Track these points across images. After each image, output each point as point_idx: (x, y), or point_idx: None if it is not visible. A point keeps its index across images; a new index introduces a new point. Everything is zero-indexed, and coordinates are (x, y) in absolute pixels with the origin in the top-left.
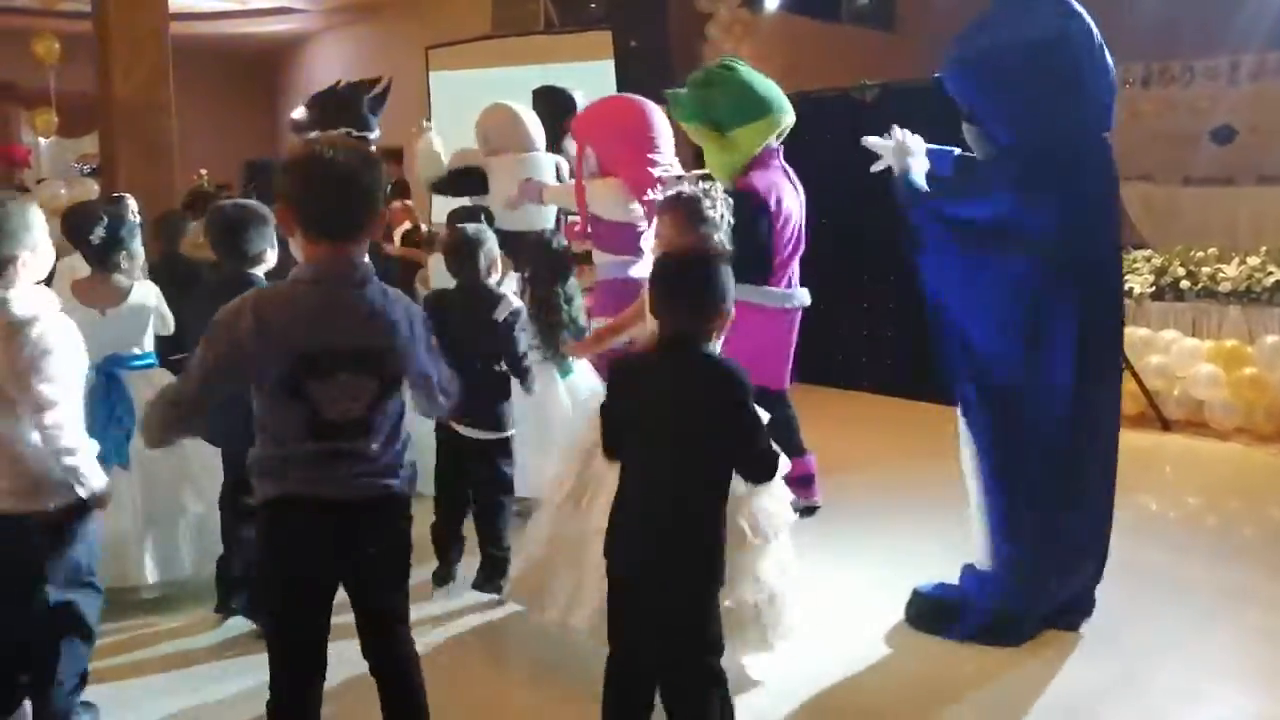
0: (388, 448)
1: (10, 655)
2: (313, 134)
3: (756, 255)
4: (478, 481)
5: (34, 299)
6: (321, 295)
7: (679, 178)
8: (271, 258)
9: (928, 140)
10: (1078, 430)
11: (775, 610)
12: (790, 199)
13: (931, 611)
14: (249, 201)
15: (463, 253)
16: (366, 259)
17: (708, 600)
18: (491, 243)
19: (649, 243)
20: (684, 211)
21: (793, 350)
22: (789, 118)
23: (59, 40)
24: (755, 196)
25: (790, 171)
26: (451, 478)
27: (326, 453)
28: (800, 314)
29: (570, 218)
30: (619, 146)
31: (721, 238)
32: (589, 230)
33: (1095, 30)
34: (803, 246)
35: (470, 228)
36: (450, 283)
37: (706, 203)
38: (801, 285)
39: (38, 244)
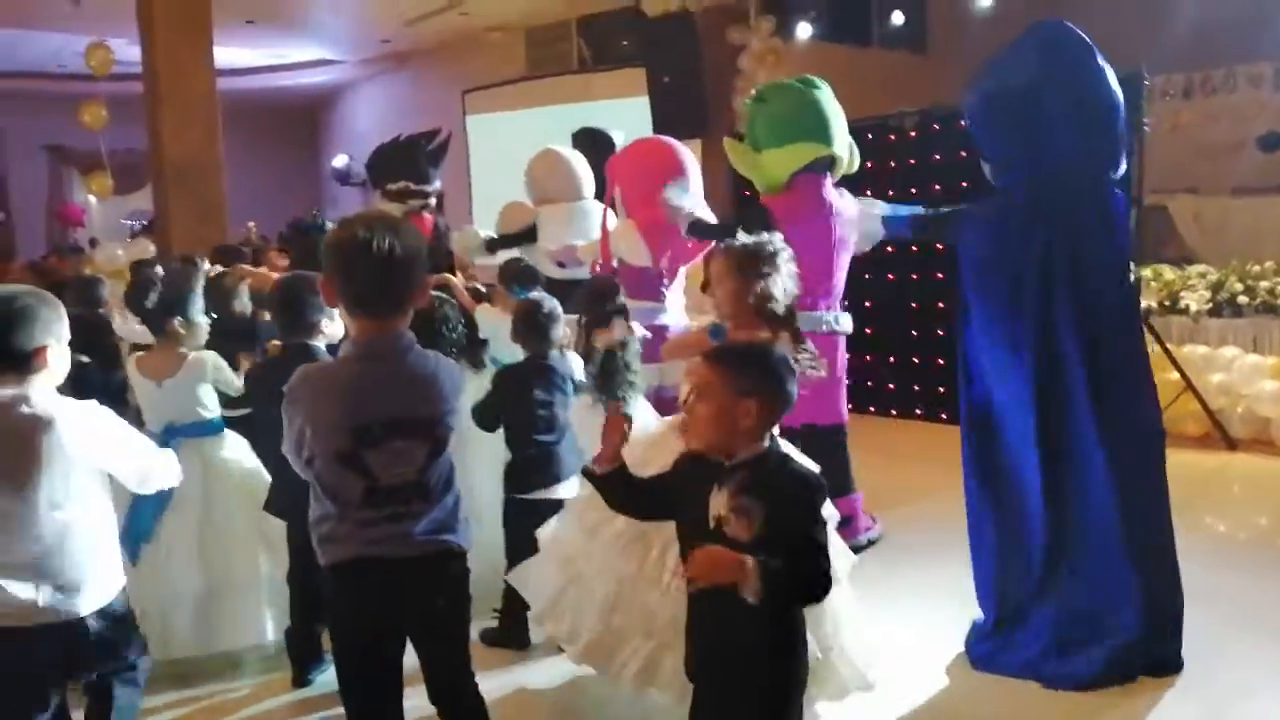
0: (442, 505)
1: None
2: (361, 190)
3: None
4: None
5: (53, 397)
6: (368, 370)
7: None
8: (331, 329)
9: (963, 166)
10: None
11: (838, 661)
12: (827, 225)
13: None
14: (308, 273)
15: (537, 327)
16: (409, 334)
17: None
18: (562, 319)
19: (676, 292)
20: (733, 260)
21: (841, 385)
22: (832, 149)
23: (106, 101)
24: (766, 215)
25: (841, 195)
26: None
27: (385, 518)
28: (837, 337)
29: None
30: (636, 187)
31: (786, 285)
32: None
33: (1094, 65)
34: (840, 277)
35: (546, 303)
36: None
37: (764, 251)
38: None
39: (63, 336)
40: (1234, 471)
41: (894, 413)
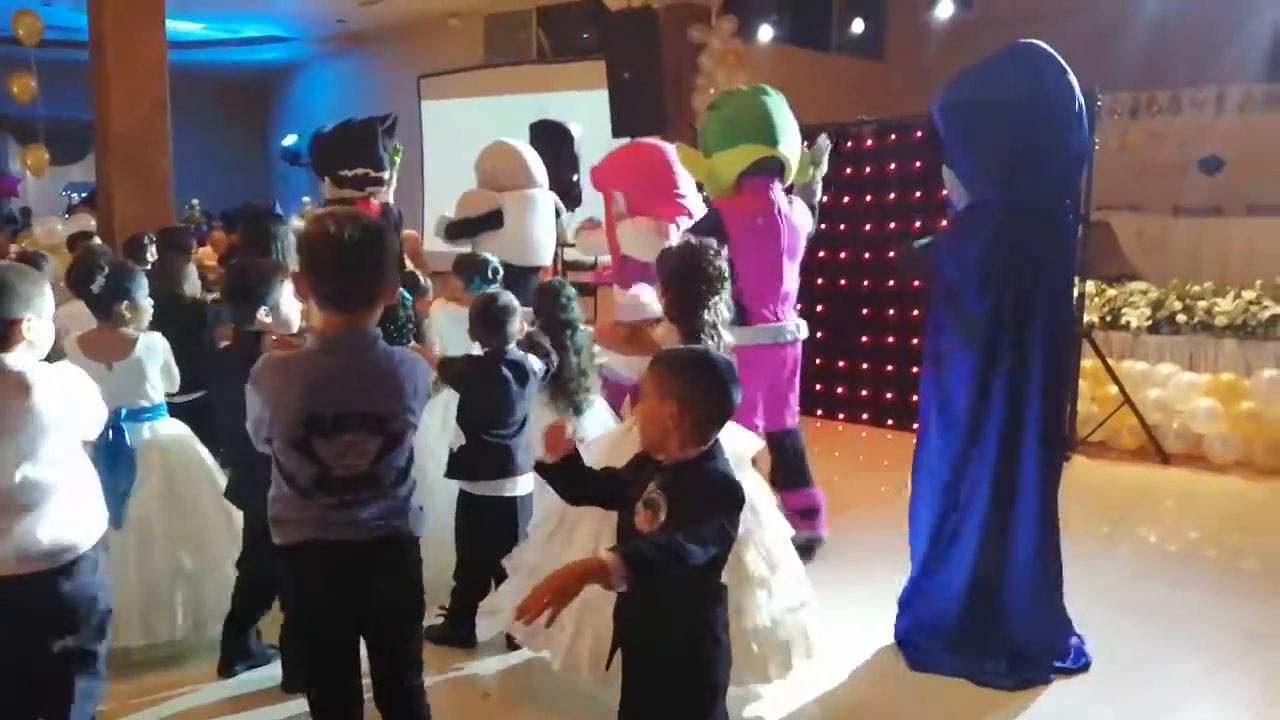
0: (394, 495)
1: (25, 704)
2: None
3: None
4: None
5: (31, 363)
6: (328, 362)
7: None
8: (275, 318)
9: (919, 177)
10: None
11: (774, 643)
12: (774, 229)
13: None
14: (260, 260)
15: (493, 321)
16: (376, 329)
17: None
18: (519, 313)
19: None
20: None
21: (794, 385)
22: (776, 150)
23: (43, 70)
24: (715, 217)
25: (791, 203)
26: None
27: (334, 505)
28: (797, 347)
29: (601, 260)
30: (650, 187)
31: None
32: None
33: (1073, 93)
34: (791, 282)
35: (502, 297)
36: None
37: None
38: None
39: (44, 312)
40: (1167, 485)
41: (841, 417)
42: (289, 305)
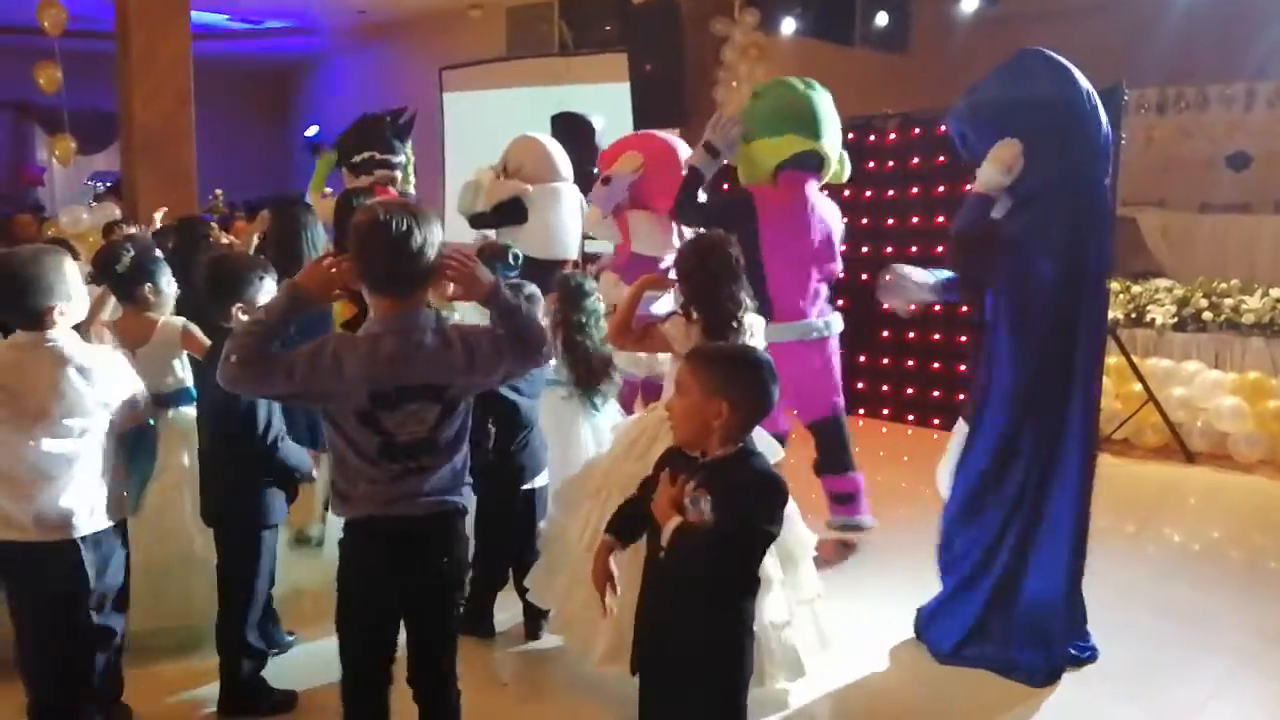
0: (451, 462)
1: (63, 673)
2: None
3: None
4: (517, 533)
5: (70, 340)
6: (387, 342)
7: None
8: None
9: (943, 171)
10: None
11: (792, 642)
12: (806, 224)
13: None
14: (242, 255)
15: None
16: (428, 310)
17: None
18: (542, 303)
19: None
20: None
21: (830, 375)
22: (818, 145)
23: (71, 58)
24: (747, 199)
25: (828, 202)
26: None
27: (398, 473)
28: (829, 343)
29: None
30: (656, 180)
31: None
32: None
33: (1092, 93)
34: (820, 280)
35: (527, 287)
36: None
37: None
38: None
39: (72, 295)
40: (1191, 484)
41: (862, 412)
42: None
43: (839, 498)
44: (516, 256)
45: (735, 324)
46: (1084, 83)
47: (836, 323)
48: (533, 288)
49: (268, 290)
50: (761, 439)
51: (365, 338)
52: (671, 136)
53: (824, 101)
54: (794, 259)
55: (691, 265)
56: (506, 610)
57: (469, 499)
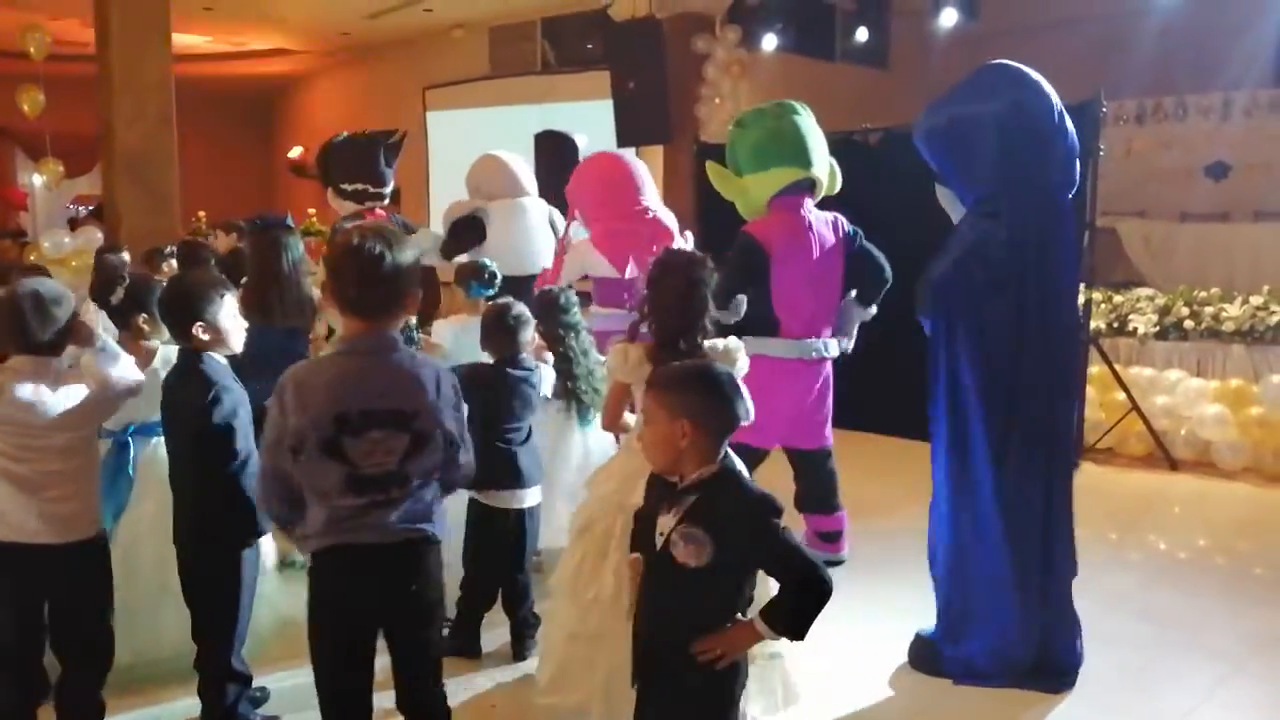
0: (420, 496)
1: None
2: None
3: (754, 295)
4: (507, 553)
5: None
6: (350, 363)
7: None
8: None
9: (922, 184)
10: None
11: (779, 671)
12: (808, 244)
13: (921, 652)
14: (203, 274)
15: (505, 331)
16: (397, 332)
17: None
18: (531, 323)
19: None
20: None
21: (825, 404)
22: (812, 171)
23: (52, 83)
24: (749, 242)
25: (822, 220)
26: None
27: (364, 505)
28: (827, 366)
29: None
30: (591, 202)
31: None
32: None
33: (1053, 101)
34: (823, 300)
35: (515, 307)
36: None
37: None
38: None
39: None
40: (1175, 492)
41: (847, 425)
42: (229, 321)
43: (826, 536)
44: (493, 275)
45: (683, 344)
46: (1049, 94)
47: (834, 348)
48: (521, 308)
49: (228, 308)
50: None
51: (328, 359)
52: (620, 154)
53: (807, 123)
54: (795, 283)
55: (652, 277)
56: (495, 628)
57: (443, 530)
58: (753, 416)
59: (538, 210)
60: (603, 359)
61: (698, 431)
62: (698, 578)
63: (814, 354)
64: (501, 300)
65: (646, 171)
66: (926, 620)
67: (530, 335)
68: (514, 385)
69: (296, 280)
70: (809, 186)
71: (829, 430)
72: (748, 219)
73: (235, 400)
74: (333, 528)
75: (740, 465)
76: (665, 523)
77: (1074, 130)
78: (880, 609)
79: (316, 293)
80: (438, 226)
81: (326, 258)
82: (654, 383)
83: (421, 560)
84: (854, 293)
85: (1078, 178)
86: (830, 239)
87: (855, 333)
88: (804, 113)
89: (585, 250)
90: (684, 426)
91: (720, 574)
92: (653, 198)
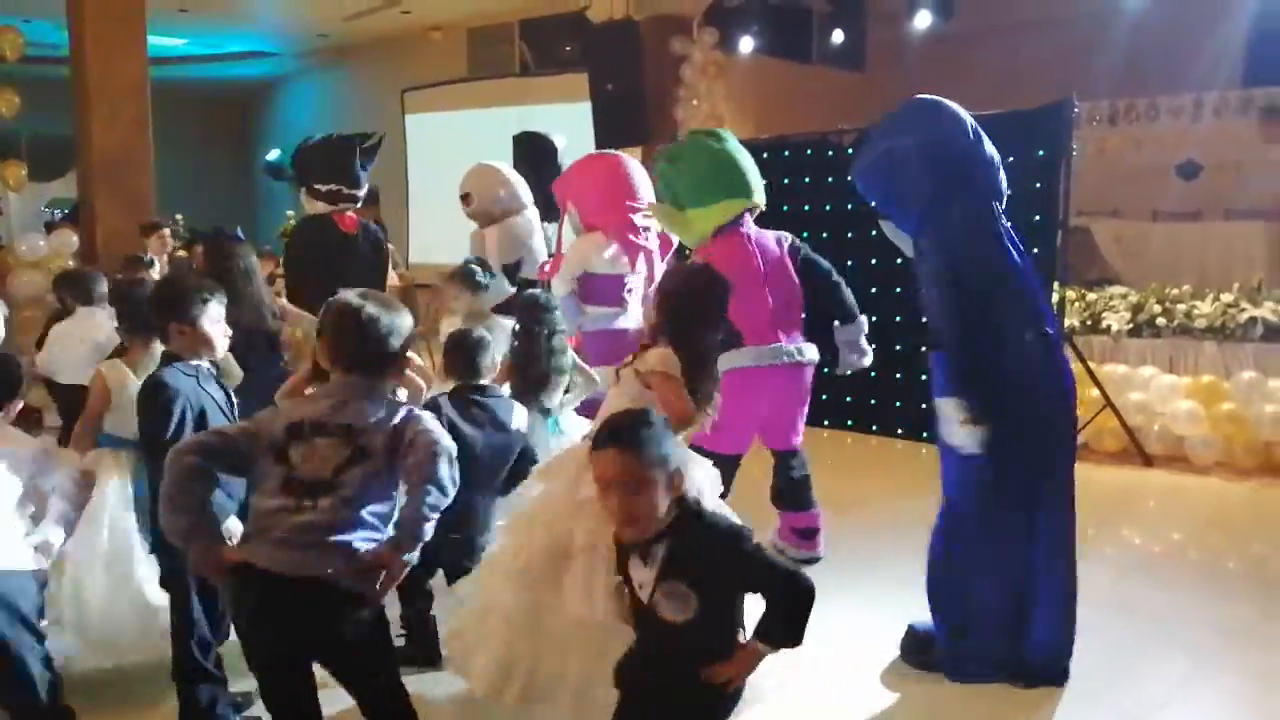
0: (345, 517)
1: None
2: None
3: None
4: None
5: None
6: (331, 393)
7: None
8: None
9: None
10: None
11: None
12: (756, 262)
13: (913, 645)
14: (185, 278)
15: (465, 356)
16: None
17: None
18: (493, 348)
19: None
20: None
21: (802, 407)
22: (753, 199)
23: (25, 85)
24: (708, 269)
25: (763, 234)
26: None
27: (290, 507)
28: (803, 371)
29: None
30: (596, 200)
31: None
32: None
33: (967, 123)
34: (785, 308)
35: (476, 331)
36: None
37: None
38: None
39: None
40: (1150, 487)
41: (826, 424)
42: (211, 326)
43: (802, 533)
44: (490, 271)
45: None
46: (964, 118)
47: (811, 351)
48: (482, 331)
49: (212, 313)
50: (700, 468)
51: (313, 394)
52: (614, 153)
53: (738, 150)
54: (749, 296)
55: (674, 291)
56: None
57: (371, 580)
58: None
59: (538, 221)
60: (573, 358)
61: (674, 474)
62: (688, 624)
63: (785, 358)
64: (463, 326)
65: (641, 171)
66: (913, 614)
67: (491, 360)
68: (471, 416)
69: (249, 285)
70: (749, 209)
71: (798, 434)
72: (691, 247)
73: (185, 411)
74: (250, 530)
75: (707, 474)
76: (642, 576)
77: (992, 146)
78: (864, 602)
79: (282, 300)
80: (416, 227)
81: (323, 313)
82: (617, 453)
83: (330, 606)
84: (836, 323)
85: (1004, 186)
86: (773, 248)
87: (866, 347)
88: (731, 139)
89: (589, 247)
90: (663, 474)
91: (709, 613)
92: (651, 198)
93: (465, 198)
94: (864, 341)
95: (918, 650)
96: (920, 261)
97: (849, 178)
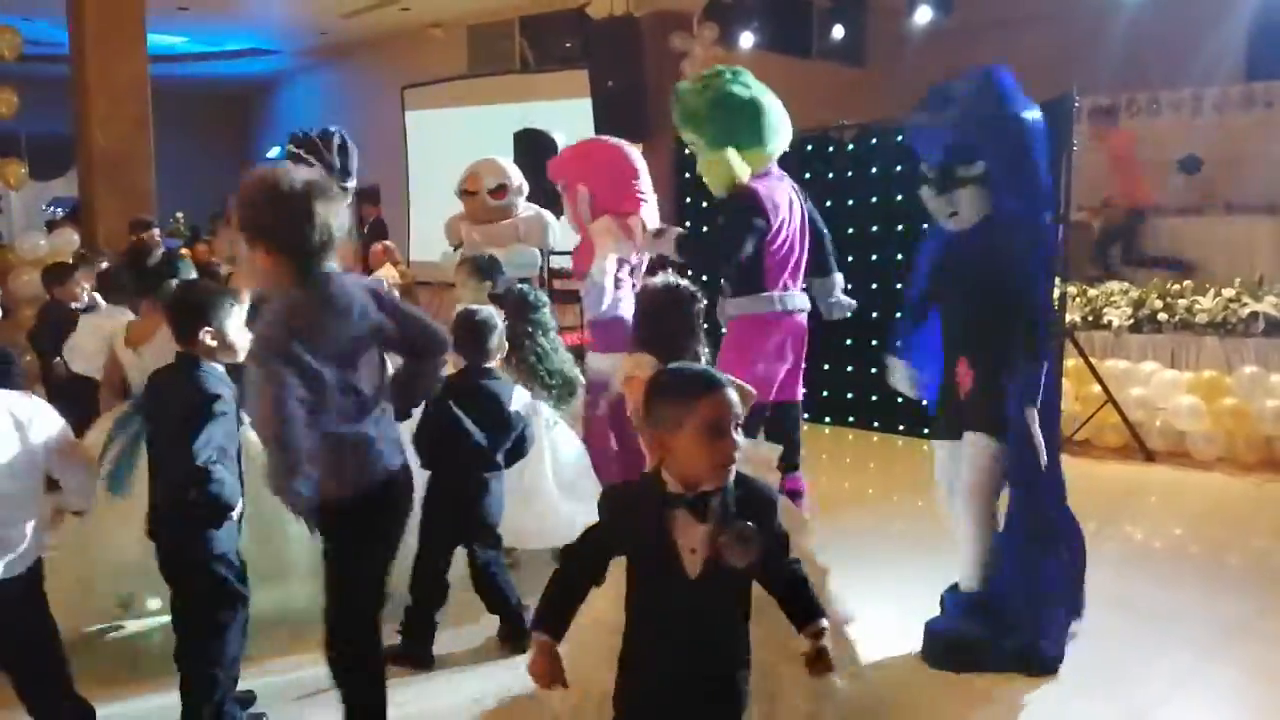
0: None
1: None
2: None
3: (746, 258)
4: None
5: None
6: None
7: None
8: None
9: (900, 180)
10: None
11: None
12: (787, 208)
13: (949, 648)
14: (211, 283)
15: (475, 336)
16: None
17: None
18: (501, 329)
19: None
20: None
21: (800, 356)
22: (780, 144)
23: (24, 84)
24: (749, 197)
25: (788, 180)
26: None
27: None
28: (802, 319)
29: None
30: (613, 185)
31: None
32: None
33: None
34: (802, 256)
35: (483, 311)
36: None
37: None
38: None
39: None
40: (1151, 482)
41: (828, 421)
42: (236, 333)
43: (792, 495)
44: (497, 267)
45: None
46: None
47: (806, 301)
48: (488, 311)
49: (236, 319)
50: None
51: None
52: (614, 140)
53: (767, 100)
54: (792, 237)
55: (647, 310)
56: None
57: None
58: None
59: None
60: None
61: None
62: (739, 591)
63: (792, 304)
64: (470, 306)
65: (641, 159)
66: (913, 611)
67: (497, 342)
68: (479, 401)
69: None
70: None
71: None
72: (722, 188)
73: (230, 414)
74: None
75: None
76: (694, 535)
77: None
78: (864, 599)
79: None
80: (416, 224)
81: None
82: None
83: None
84: (817, 279)
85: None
86: (795, 197)
87: (843, 297)
88: (763, 89)
89: (617, 231)
90: (690, 425)
91: (745, 578)
92: (647, 183)
93: (501, 189)
94: (841, 294)
95: (942, 653)
96: (1016, 236)
97: (899, 136)
